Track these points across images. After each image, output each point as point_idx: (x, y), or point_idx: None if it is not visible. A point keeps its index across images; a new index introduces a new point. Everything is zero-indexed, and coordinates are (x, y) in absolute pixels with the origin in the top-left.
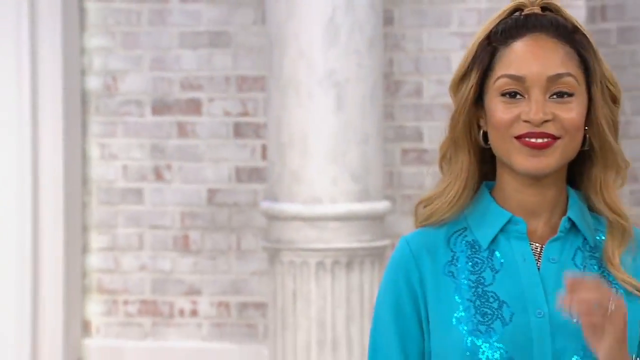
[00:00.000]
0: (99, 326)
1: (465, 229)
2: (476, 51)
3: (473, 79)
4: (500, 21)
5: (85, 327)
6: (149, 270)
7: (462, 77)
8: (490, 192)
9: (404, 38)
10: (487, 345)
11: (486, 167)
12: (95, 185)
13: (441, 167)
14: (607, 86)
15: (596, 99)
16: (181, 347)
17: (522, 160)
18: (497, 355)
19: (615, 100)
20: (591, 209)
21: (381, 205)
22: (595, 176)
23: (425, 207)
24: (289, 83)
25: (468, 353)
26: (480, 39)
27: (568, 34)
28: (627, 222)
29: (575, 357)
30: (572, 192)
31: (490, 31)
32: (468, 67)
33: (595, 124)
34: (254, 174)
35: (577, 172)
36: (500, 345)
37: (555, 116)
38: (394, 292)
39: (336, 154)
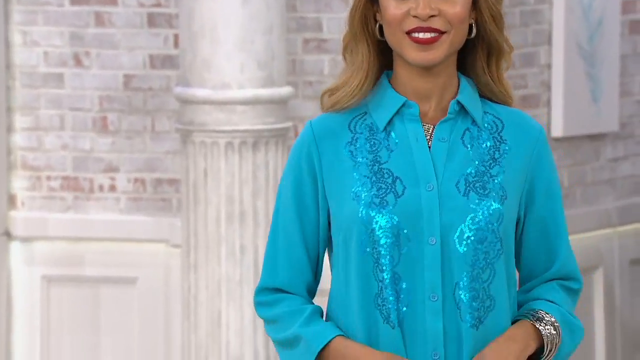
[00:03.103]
0: (23, 200)
1: (365, 113)
2: None
3: None
4: None
5: (11, 201)
6: (70, 149)
7: None
8: (388, 80)
9: None
10: (380, 215)
11: (385, 58)
12: (19, 70)
13: (344, 57)
14: None
15: None
16: (101, 219)
17: (413, 53)
18: (388, 224)
19: None
20: (482, 95)
21: (284, 91)
22: (480, 60)
23: (329, 96)
24: None
25: (363, 223)
26: None
27: None
28: (511, 100)
29: (460, 228)
30: (464, 79)
31: None
32: None
33: (480, 14)
34: (167, 61)
35: (469, 59)
36: (393, 215)
37: (440, 11)
38: (296, 171)
39: (243, 42)
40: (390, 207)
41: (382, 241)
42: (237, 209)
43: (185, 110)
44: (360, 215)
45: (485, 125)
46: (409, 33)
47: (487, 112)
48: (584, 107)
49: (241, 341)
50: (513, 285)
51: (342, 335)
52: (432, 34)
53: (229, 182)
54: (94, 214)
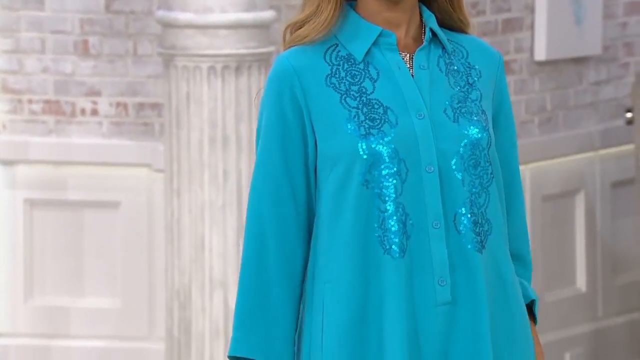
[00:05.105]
0: (5, 123)
1: (336, 45)
2: None
3: None
4: None
5: None
6: (51, 72)
7: None
8: (354, 11)
9: None
10: (381, 146)
11: None
12: None
13: None
14: None
15: None
16: (83, 143)
17: None
18: (390, 154)
19: None
20: (440, 24)
21: (267, 15)
22: None
23: (296, 30)
24: None
25: (365, 156)
26: None
27: None
28: (469, 28)
29: (456, 154)
30: (424, 7)
31: None
32: None
33: None
34: None
35: None
36: (392, 145)
37: None
38: (278, 105)
39: None
40: (390, 137)
41: (385, 172)
42: (220, 134)
43: (167, 34)
44: (359, 147)
45: (453, 52)
46: None
47: (450, 40)
48: (567, 30)
49: (225, 265)
50: (504, 206)
51: None
52: None
53: (211, 106)
54: (76, 138)
